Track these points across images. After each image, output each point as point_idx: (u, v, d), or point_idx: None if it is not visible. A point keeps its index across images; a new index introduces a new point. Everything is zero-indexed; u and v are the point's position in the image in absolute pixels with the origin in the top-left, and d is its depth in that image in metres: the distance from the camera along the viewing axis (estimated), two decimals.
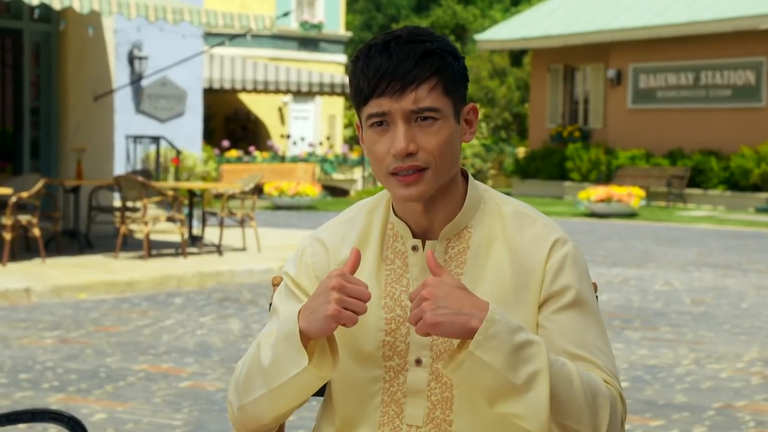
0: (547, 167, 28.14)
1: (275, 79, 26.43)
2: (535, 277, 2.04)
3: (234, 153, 26.35)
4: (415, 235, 2.09)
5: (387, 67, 1.97)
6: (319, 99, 31.06)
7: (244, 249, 13.36)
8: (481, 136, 34.07)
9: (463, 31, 46.71)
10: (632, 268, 13.15)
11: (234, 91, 27.81)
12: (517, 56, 40.18)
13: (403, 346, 2.06)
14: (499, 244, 2.07)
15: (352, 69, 2.03)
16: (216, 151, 25.80)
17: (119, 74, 18.29)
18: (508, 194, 26.57)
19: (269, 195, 22.94)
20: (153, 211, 14.75)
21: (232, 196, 14.38)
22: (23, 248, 12.42)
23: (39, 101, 14.01)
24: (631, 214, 21.81)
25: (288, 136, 30.05)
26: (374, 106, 1.99)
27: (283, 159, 26.89)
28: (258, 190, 15.34)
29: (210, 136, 28.41)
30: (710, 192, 24.54)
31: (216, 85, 26.14)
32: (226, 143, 26.54)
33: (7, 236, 11.25)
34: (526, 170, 28.84)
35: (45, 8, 12.05)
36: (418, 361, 2.05)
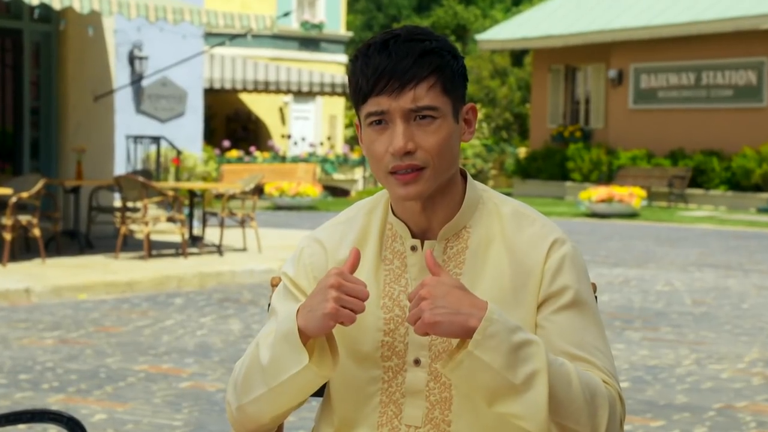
0: (548, 167, 28.14)
1: (276, 79, 26.43)
2: (533, 277, 2.04)
3: (234, 153, 26.35)
4: (413, 236, 2.08)
5: (386, 66, 1.97)
6: (319, 99, 31.07)
7: (244, 249, 13.35)
8: (482, 136, 34.08)
9: (464, 31, 46.72)
10: (633, 269, 13.14)
11: (234, 91, 27.81)
12: (518, 56, 40.18)
13: (401, 346, 2.05)
14: (497, 245, 2.07)
15: (351, 68, 2.03)
16: (216, 152, 25.81)
17: (119, 74, 18.29)
18: (510, 194, 26.58)
19: (270, 195, 22.94)
20: (153, 211, 14.75)
21: (232, 197, 14.38)
22: (23, 248, 12.41)
23: (39, 101, 14.01)
24: (632, 215, 21.80)
25: (289, 137, 30.06)
26: (373, 105, 1.99)
27: (283, 159, 26.89)
28: (258, 191, 15.33)
29: (211, 137, 28.42)
30: (712, 192, 24.53)
31: (216, 85, 26.15)
32: (226, 143, 26.54)
33: (7, 236, 11.25)
34: (527, 170, 28.84)
35: (45, 8, 12.04)
36: (417, 362, 2.04)
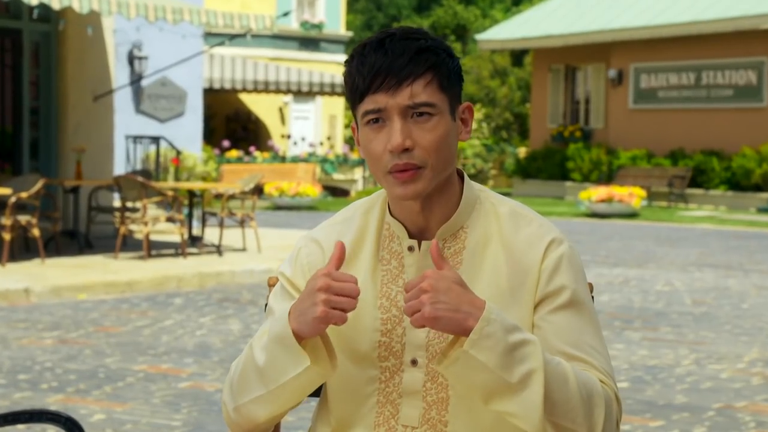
0: (548, 167, 28.14)
1: (276, 79, 26.42)
2: (530, 277, 2.03)
3: (234, 153, 26.35)
4: (411, 236, 2.08)
5: (382, 64, 1.97)
6: (319, 99, 31.07)
7: (244, 249, 13.35)
8: (482, 136, 34.07)
9: (464, 31, 46.72)
10: (633, 269, 13.13)
11: (234, 91, 27.81)
12: (518, 56, 40.18)
13: (398, 346, 2.05)
14: (494, 245, 2.06)
15: (347, 68, 2.03)
16: (216, 151, 25.80)
17: (119, 74, 18.28)
18: (510, 194, 26.59)
19: (269, 195, 22.94)
20: (153, 211, 14.74)
21: (232, 197, 14.37)
22: (23, 248, 12.41)
23: (38, 101, 14.01)
24: (632, 215, 21.80)
25: (288, 136, 30.06)
26: (370, 103, 1.98)
27: (283, 159, 26.89)
28: (258, 191, 15.33)
29: (210, 136, 28.41)
30: (712, 192, 24.53)
31: (216, 85, 26.14)
32: (226, 143, 26.54)
33: (7, 236, 11.24)
34: (527, 170, 28.84)
35: (44, 8, 12.03)
36: (414, 362, 2.04)
